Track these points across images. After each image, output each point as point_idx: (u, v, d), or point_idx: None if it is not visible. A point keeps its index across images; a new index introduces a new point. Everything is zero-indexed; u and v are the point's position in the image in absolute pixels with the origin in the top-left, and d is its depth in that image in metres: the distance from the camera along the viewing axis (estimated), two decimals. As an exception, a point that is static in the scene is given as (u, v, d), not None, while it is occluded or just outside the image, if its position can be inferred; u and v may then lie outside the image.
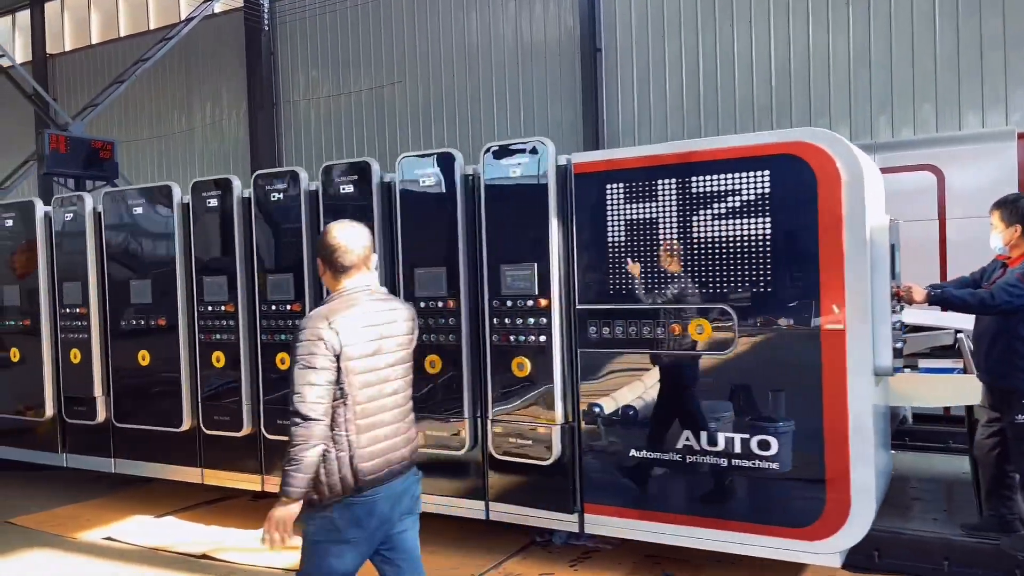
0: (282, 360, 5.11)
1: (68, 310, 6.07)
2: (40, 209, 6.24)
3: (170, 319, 5.57)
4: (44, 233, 6.21)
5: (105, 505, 5.99)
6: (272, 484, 5.32)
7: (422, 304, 4.60)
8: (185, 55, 15.57)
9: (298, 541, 2.70)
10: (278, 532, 2.60)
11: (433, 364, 4.57)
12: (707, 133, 10.74)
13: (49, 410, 6.21)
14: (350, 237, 2.79)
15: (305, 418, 2.56)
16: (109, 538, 5.20)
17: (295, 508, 2.61)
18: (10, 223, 6.40)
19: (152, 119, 16.63)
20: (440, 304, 4.57)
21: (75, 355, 6.03)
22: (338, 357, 2.61)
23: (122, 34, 17.34)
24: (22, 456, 6.52)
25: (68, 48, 18.40)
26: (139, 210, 5.70)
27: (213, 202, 5.38)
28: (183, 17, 15.01)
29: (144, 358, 5.69)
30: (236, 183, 5.31)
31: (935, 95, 9.62)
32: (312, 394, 2.56)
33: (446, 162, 4.54)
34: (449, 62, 13.03)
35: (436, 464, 4.66)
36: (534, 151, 4.25)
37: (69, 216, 6.04)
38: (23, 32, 19.23)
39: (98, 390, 5.96)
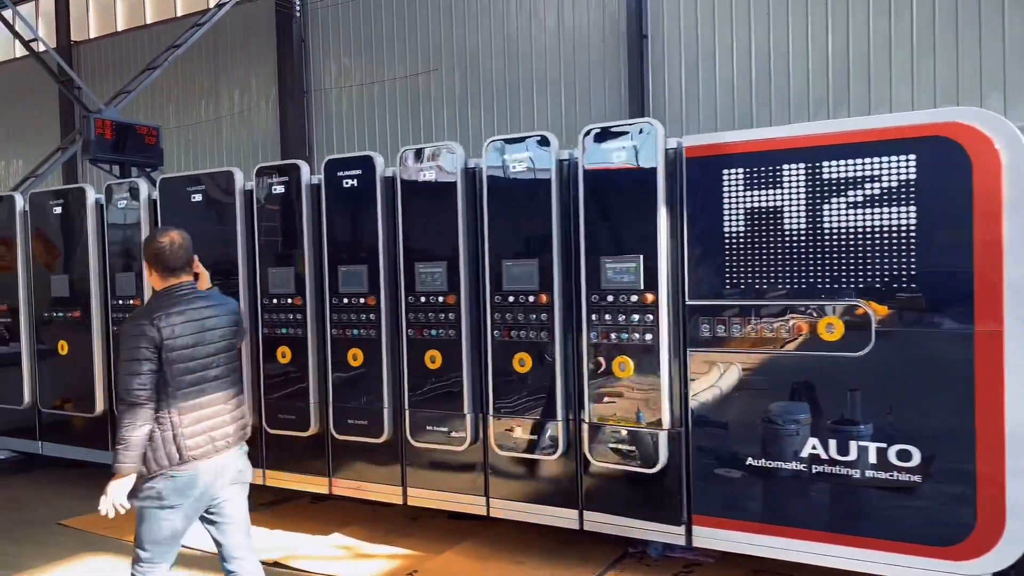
0: (354, 356, 4.83)
1: (121, 302, 5.80)
2: (91, 196, 5.97)
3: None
4: (95, 221, 5.94)
5: (159, 506, 5.73)
6: (340, 487, 5.05)
7: (510, 298, 4.31)
8: (213, 42, 15.31)
9: (130, 508, 3.08)
10: (114, 502, 3.03)
11: (523, 362, 4.28)
12: (759, 123, 10.39)
13: (99, 406, 5.95)
14: (175, 243, 3.20)
15: (131, 404, 3.00)
16: (170, 542, 4.92)
17: (127, 481, 3.03)
18: (58, 210, 6.13)
19: (178, 108, 16.39)
20: (531, 299, 4.27)
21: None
22: (160, 349, 3.02)
23: (148, 21, 17.10)
24: (70, 454, 6.27)
25: (93, 35, 18.16)
26: (198, 197, 5.42)
27: (279, 189, 5.09)
28: (212, 3, 14.72)
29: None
30: (304, 168, 5.01)
31: (1004, 84, 9.24)
32: (135, 382, 2.99)
33: (541, 146, 4.23)
34: (488, 49, 12.71)
35: (523, 468, 4.37)
36: (641, 132, 3.93)
37: (123, 203, 5.77)
38: (46, 19, 19.02)
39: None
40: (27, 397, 6.37)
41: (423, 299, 4.57)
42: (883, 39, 9.79)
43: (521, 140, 4.28)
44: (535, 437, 4.25)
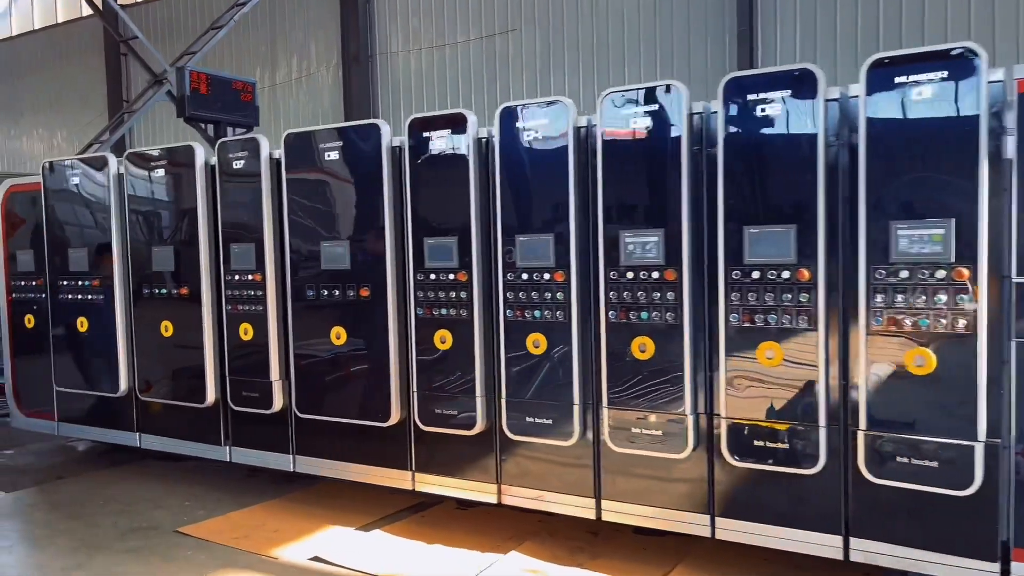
0: (535, 343, 4.05)
1: (237, 277, 5.05)
2: (201, 155, 5.20)
3: (375, 290, 4.53)
4: (204, 184, 5.17)
5: (284, 509, 5.01)
6: (512, 496, 4.29)
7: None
8: (270, 5, 14.50)
9: None
10: None
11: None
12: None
13: (210, 395, 5.23)
14: None
15: None
16: (317, 558, 4.20)
17: None
18: (160, 172, 5.37)
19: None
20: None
21: (246, 331, 5.02)
22: None
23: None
24: (176, 448, 5.57)
25: (141, -1, 17.44)
26: (332, 155, 4.63)
27: (439, 145, 4.28)
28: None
29: (338, 336, 4.66)
30: (472, 119, 4.20)
31: None
32: None
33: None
34: (572, 5, 11.78)
35: (767, 483, 3.57)
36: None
37: (239, 164, 5.00)
38: (91, -17, 18.29)
39: (275, 373, 4.96)
40: (123, 384, 5.67)
41: (630, 275, 3.77)
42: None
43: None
44: (790, 445, 3.44)
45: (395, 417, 4.53)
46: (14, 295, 6.36)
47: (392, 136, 4.50)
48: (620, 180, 3.80)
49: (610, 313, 3.82)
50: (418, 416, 4.45)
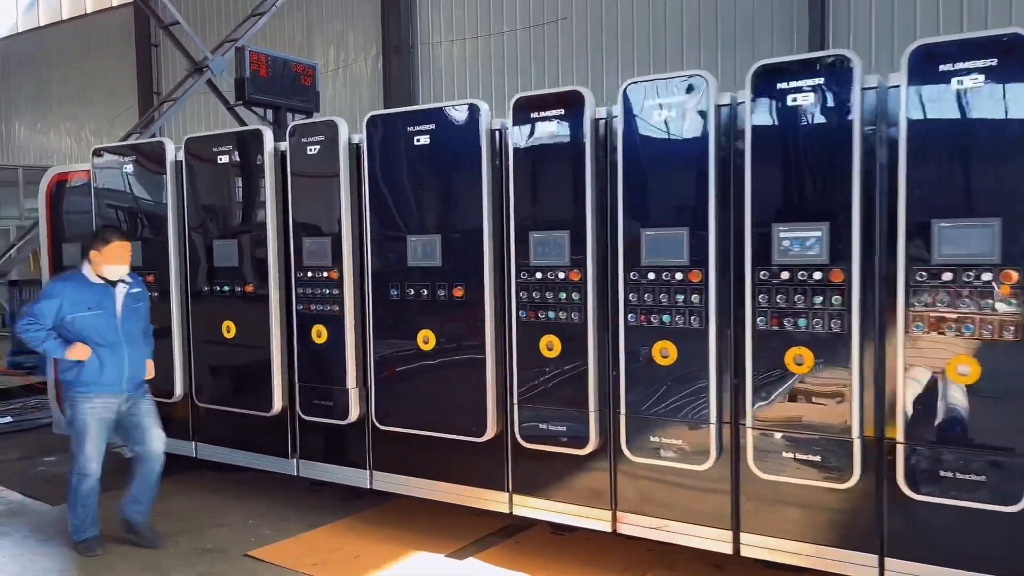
0: (663, 352, 3.55)
1: (310, 274, 4.59)
2: (270, 140, 4.74)
3: (470, 289, 4.05)
4: (273, 172, 4.72)
5: (359, 531, 4.55)
6: (629, 524, 3.80)
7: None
8: (306, -5, 14.09)
9: None
10: None
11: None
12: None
13: (277, 403, 4.78)
14: None
15: None
16: (410, 592, 3.74)
17: None
18: (224, 159, 4.92)
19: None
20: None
21: (319, 333, 4.56)
22: None
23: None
24: (236, 459, 5.12)
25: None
26: (423, 139, 4.16)
27: (549, 128, 3.80)
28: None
29: (426, 341, 4.19)
30: (589, 98, 3.71)
31: None
32: None
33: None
34: (628, -6, 11.27)
35: (961, 522, 3.06)
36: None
37: (314, 149, 4.54)
38: (122, -28, 17.95)
39: (351, 380, 4.49)
40: (178, 389, 5.22)
41: (785, 274, 3.26)
42: None
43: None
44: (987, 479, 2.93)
45: (491, 431, 4.06)
46: (59, 291, 5.92)
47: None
48: (773, 169, 3.30)
49: (758, 319, 3.32)
50: (519, 432, 3.97)
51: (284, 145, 4.70)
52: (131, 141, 7.06)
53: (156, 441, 4.34)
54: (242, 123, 9.17)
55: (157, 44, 17.37)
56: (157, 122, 8.79)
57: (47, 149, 20.34)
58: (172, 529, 4.59)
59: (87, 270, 4.22)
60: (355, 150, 4.45)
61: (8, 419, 7.46)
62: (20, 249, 9.33)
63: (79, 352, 4.14)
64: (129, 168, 5.35)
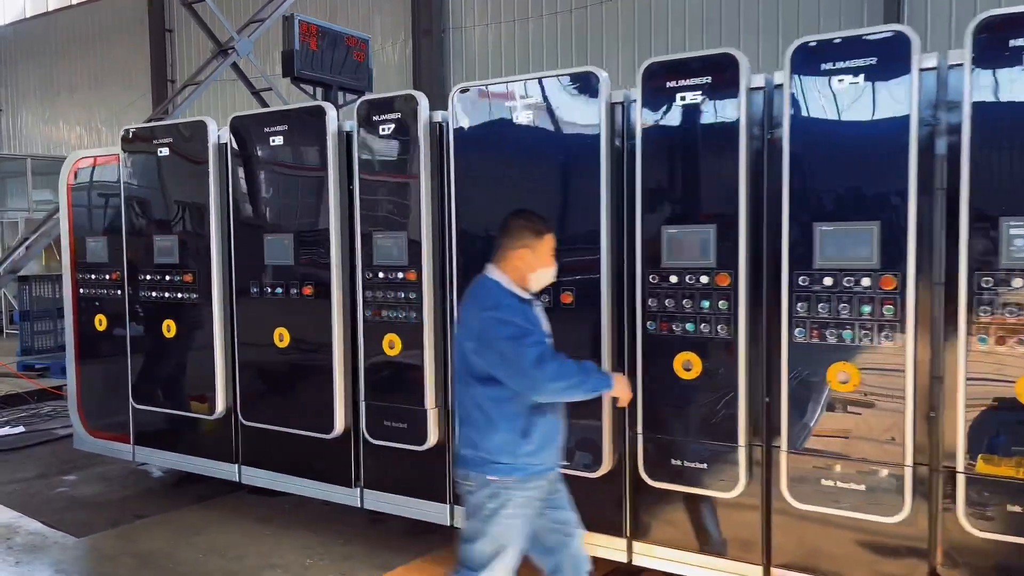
0: (842, 376, 2.88)
1: (382, 275, 3.92)
2: (333, 119, 4.07)
3: (582, 294, 3.38)
4: (336, 155, 4.05)
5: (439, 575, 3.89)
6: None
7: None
8: (331, -26, 13.42)
9: None
10: None
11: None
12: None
13: (339, 424, 4.13)
14: None
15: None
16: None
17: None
18: (278, 140, 4.25)
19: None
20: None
21: (391, 343, 3.90)
22: None
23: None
24: (288, 486, 4.45)
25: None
26: (525, 115, 3.49)
27: (691, 99, 3.12)
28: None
29: (526, 356, 3.51)
30: (743, 64, 3.04)
31: None
32: None
33: None
34: (679, -28, 10.59)
35: None
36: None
37: (387, 128, 3.87)
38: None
39: (431, 399, 3.83)
40: (220, 404, 4.57)
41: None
42: None
43: None
44: None
45: (607, 466, 3.39)
46: (82, 290, 5.28)
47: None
48: (999, 155, 2.63)
49: (976, 338, 2.65)
50: (644, 467, 3.30)
51: (349, 125, 4.04)
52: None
53: (580, 541, 2.87)
54: (312, 98, 8.46)
55: (171, 29, 16.71)
56: (179, 106, 8.13)
57: (56, 139, 19.69)
58: (219, 569, 3.94)
59: (504, 278, 2.69)
60: (436, 130, 3.77)
61: (20, 429, 6.82)
62: (33, 243, 8.67)
63: (623, 388, 2.78)
64: (164, 151, 4.69)
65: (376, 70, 13.54)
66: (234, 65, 9.33)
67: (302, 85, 6.91)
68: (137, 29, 17.25)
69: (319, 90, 6.88)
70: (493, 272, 2.71)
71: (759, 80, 3.06)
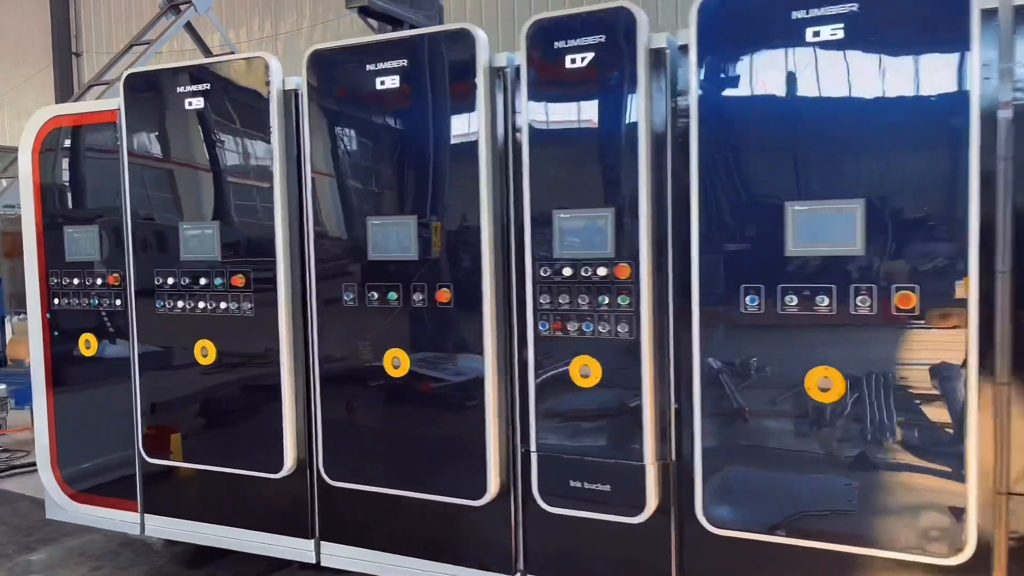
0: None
1: (567, 271, 2.71)
2: (483, 47, 2.81)
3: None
4: (486, 102, 2.81)
5: None
6: None
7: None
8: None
9: None
10: None
11: None
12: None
13: (492, 484, 2.90)
14: None
15: None
16: None
17: None
18: (387, 81, 2.96)
19: (270, 14, 12.63)
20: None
21: (584, 371, 2.70)
22: None
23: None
24: (403, 572, 3.17)
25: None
26: (831, 30, 2.37)
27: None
28: None
29: (825, 387, 2.42)
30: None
31: None
32: None
33: None
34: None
35: None
36: None
37: (579, 60, 2.66)
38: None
39: (650, 451, 2.67)
40: (288, 458, 3.24)
41: None
42: None
43: None
44: None
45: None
46: (57, 300, 3.80)
47: None
48: None
49: None
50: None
51: (503, 58, 2.82)
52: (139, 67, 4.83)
53: None
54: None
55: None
56: (131, 68, 6.52)
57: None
58: None
59: None
60: (657, 58, 2.60)
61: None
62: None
63: None
64: (198, 103, 3.30)
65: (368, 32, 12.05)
66: (188, 25, 7.77)
67: (369, 21, 5.51)
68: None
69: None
70: None
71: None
